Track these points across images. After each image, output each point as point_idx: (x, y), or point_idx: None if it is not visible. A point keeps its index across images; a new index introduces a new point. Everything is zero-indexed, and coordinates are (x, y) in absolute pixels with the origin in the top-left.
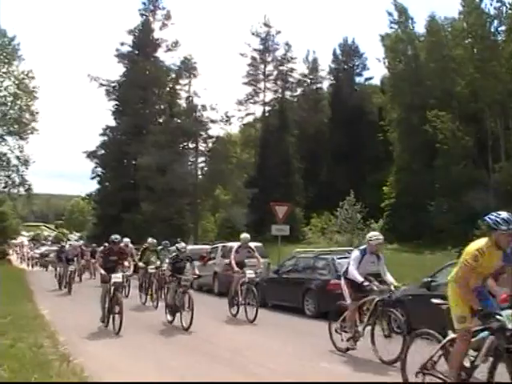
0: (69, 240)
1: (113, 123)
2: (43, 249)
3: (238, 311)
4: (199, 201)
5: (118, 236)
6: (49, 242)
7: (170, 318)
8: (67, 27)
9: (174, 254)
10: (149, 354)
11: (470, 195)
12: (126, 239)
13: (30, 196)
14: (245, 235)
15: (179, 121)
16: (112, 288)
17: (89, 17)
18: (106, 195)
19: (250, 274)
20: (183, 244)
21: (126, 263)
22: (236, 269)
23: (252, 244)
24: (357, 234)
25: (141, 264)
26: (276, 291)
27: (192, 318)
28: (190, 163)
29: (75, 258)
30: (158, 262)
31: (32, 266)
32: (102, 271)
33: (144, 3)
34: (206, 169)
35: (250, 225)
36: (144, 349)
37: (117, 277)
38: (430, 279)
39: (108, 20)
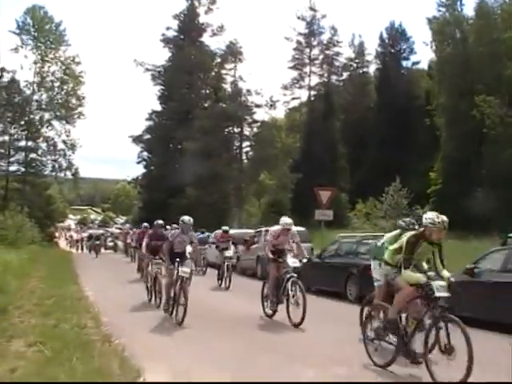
0: (115, 223)
1: (158, 108)
2: (91, 231)
3: None
4: (244, 185)
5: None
6: (95, 226)
7: None
8: (113, 12)
9: None
10: (197, 342)
11: None
12: None
13: (77, 180)
14: None
15: (224, 105)
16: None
17: (134, 1)
18: (151, 179)
19: None
20: None
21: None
22: None
23: (295, 228)
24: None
25: None
26: (319, 276)
27: None
28: (235, 148)
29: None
30: None
31: (82, 249)
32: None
33: None
34: (250, 154)
35: (295, 210)
36: (189, 335)
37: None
38: (473, 266)
39: (153, 5)
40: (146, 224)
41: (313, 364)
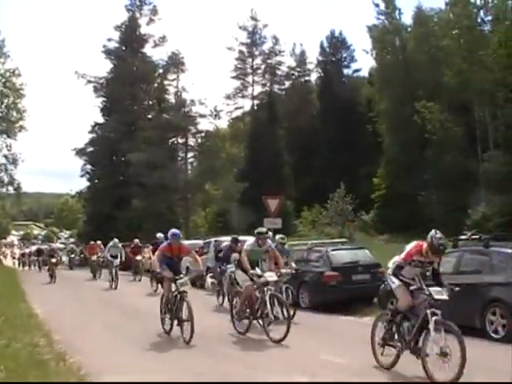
0: (59, 238)
1: (101, 120)
2: (39, 246)
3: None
4: (190, 196)
5: None
6: (39, 241)
7: None
8: (53, 24)
9: None
10: (155, 355)
11: (460, 185)
12: None
13: (20, 195)
14: None
15: (168, 116)
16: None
17: (75, 13)
18: (96, 192)
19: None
20: None
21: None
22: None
23: (243, 238)
24: (348, 226)
25: None
26: None
27: None
28: (180, 159)
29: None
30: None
31: (29, 266)
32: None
33: None
34: (195, 164)
35: (241, 219)
36: (146, 348)
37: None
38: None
39: (95, 16)
40: (160, 234)
41: None
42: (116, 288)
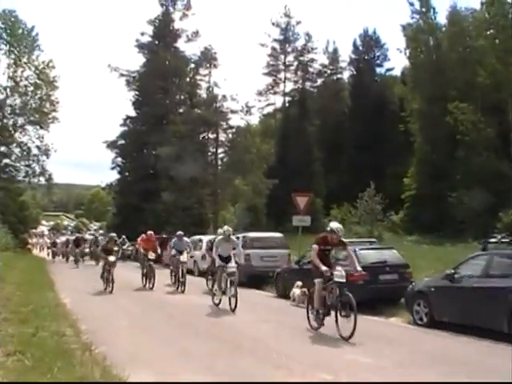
0: (89, 230)
1: (133, 113)
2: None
3: None
4: (219, 191)
5: None
6: (69, 232)
7: None
8: (87, 17)
9: None
10: (172, 343)
11: (492, 187)
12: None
13: (51, 186)
14: None
15: (199, 111)
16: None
17: (109, 7)
18: (125, 185)
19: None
20: None
21: None
22: None
23: (273, 234)
24: (376, 226)
25: None
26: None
27: None
28: (210, 153)
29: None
30: None
31: (64, 257)
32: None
33: None
34: (226, 159)
35: (270, 215)
36: (167, 338)
37: None
38: (453, 271)
39: (128, 10)
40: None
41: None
42: (233, 310)
